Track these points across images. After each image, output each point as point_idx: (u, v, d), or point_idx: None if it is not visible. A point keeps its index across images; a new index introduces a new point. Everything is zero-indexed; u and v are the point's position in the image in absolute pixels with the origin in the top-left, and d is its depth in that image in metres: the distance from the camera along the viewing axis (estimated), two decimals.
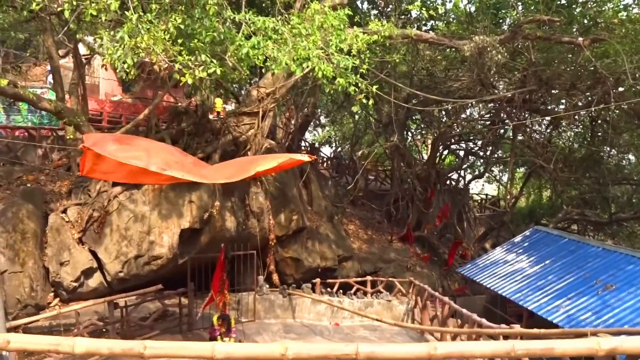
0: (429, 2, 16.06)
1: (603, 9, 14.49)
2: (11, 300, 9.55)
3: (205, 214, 11.54)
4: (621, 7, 14.58)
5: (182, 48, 6.92)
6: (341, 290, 13.73)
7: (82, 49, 15.18)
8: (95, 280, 10.78)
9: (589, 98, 16.70)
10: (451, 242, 21.22)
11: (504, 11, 16.07)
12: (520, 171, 28.46)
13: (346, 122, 28.12)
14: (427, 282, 14.95)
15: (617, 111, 17.25)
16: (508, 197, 23.07)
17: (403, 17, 16.43)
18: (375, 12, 18.24)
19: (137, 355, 2.49)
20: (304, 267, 14.21)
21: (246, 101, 13.71)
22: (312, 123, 25.66)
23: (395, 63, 14.85)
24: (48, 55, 12.18)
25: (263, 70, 13.38)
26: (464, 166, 25.20)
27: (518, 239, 17.45)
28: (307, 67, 7.66)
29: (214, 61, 7.08)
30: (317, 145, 29.10)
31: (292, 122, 20.32)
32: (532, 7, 14.63)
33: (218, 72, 7.03)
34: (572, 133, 21.73)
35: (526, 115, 18.57)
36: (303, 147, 23.56)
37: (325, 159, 27.20)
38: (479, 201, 29.63)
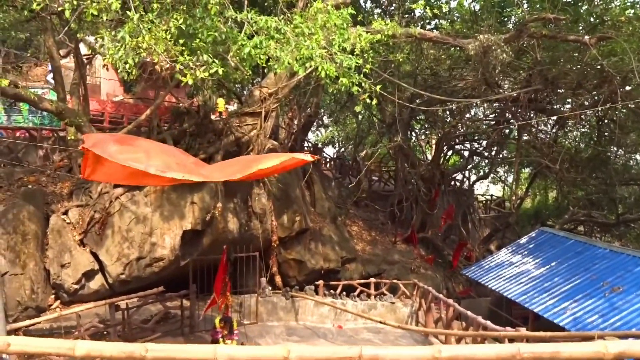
0: (432, 1, 15.97)
1: (610, 6, 14.37)
2: (12, 303, 9.51)
3: (208, 216, 11.48)
4: (628, 4, 14.46)
5: (183, 48, 6.89)
6: (344, 293, 13.65)
7: (83, 49, 15.16)
8: (96, 282, 10.75)
9: (596, 97, 16.55)
10: (456, 244, 21.08)
11: (508, 9, 15.96)
12: (525, 172, 28.31)
13: (349, 122, 28.00)
14: (432, 284, 14.85)
15: (624, 110, 17.09)
16: (513, 198, 22.96)
17: (407, 15, 16.31)
18: (378, 10, 18.15)
19: (138, 358, 2.48)
20: (306, 268, 14.15)
21: (248, 101, 13.67)
22: (315, 123, 25.62)
23: (399, 62, 14.79)
24: (49, 55, 12.16)
25: (265, 70, 13.39)
26: (469, 167, 25.12)
27: (523, 240, 17.33)
28: (310, 66, 7.62)
29: (216, 61, 7.05)
30: (320, 145, 29.00)
31: (295, 122, 20.25)
32: (538, 5, 14.52)
33: (220, 72, 7.00)
34: (579, 133, 21.64)
35: (532, 115, 18.43)
36: (306, 148, 23.46)
37: (328, 160, 27.08)
38: (484, 202, 29.45)
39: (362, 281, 14.26)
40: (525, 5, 15.21)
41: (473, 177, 25.76)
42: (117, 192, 11.13)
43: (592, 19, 14.83)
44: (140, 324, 9.92)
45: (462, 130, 22.11)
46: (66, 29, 9.33)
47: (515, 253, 16.43)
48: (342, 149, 31.87)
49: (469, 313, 9.99)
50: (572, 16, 13.94)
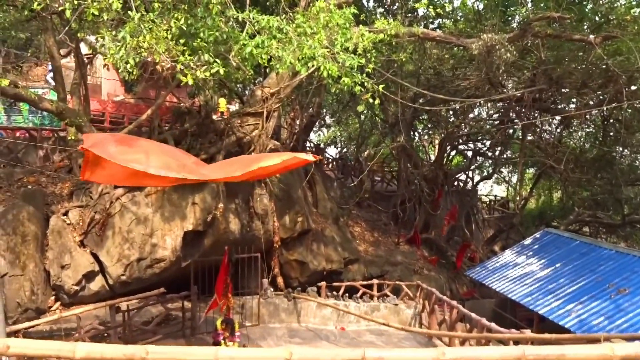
0: (436, 0, 15.85)
1: (615, 5, 14.31)
2: (11, 304, 9.46)
3: (209, 216, 11.44)
4: (634, 3, 14.35)
5: (185, 48, 6.88)
6: (347, 294, 13.55)
7: (84, 49, 15.14)
8: (96, 284, 10.68)
9: (601, 97, 16.47)
10: (459, 245, 20.98)
11: (512, 8, 15.89)
12: (530, 172, 28.24)
13: (352, 123, 27.94)
14: (435, 286, 14.76)
15: (630, 110, 17.03)
16: (517, 198, 22.86)
17: (410, 15, 16.25)
18: (381, 10, 18.11)
19: None
20: (309, 270, 14.07)
21: (250, 101, 13.64)
22: (317, 123, 25.55)
23: (402, 62, 14.74)
24: (49, 55, 12.14)
25: (267, 70, 13.37)
26: (472, 167, 25.05)
27: (528, 241, 17.28)
28: (312, 66, 7.60)
29: (217, 61, 7.05)
30: (322, 145, 29.00)
31: (297, 122, 20.18)
32: (542, 4, 14.45)
33: (221, 71, 7.00)
34: (584, 133, 21.52)
35: (536, 115, 18.36)
36: (308, 148, 23.41)
37: (330, 160, 27.02)
38: (488, 203, 29.39)
39: (365, 282, 14.18)
40: (529, 4, 15.15)
41: (477, 178, 25.75)
42: (118, 193, 11.08)
43: (597, 18, 14.76)
44: (141, 325, 9.84)
45: (466, 130, 22.04)
46: (67, 28, 9.31)
47: (519, 254, 16.37)
48: (345, 149, 31.83)
49: (473, 315, 9.92)
50: (577, 15, 13.89)
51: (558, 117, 18.60)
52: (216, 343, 8.58)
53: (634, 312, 10.87)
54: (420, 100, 18.12)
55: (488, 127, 21.82)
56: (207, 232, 11.58)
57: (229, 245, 10.52)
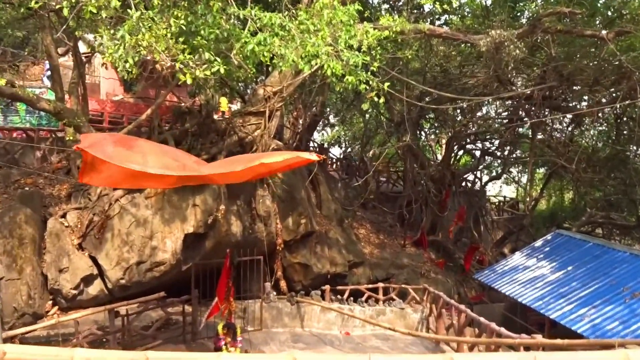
0: None
1: None
2: (8, 309, 9.37)
3: (210, 218, 11.35)
4: None
5: (185, 46, 6.87)
6: (352, 298, 13.47)
7: (82, 47, 15.03)
8: (95, 288, 10.60)
9: (614, 94, 16.26)
10: (467, 247, 20.76)
11: (522, 3, 15.82)
12: (540, 172, 28.09)
13: (356, 122, 27.81)
14: (442, 289, 14.65)
15: None
16: (527, 199, 22.78)
17: (415, 11, 16.17)
18: (386, 6, 18.04)
19: None
20: (312, 273, 13.97)
21: (252, 100, 13.58)
22: (320, 123, 25.36)
23: (408, 59, 14.69)
24: (47, 53, 12.13)
25: (270, 68, 13.31)
26: (481, 167, 24.88)
27: (539, 243, 17.14)
28: (316, 64, 7.61)
29: (218, 59, 7.04)
30: (326, 145, 28.76)
31: (300, 121, 19.96)
32: None
33: (222, 70, 7.00)
34: (596, 131, 21.47)
35: (546, 113, 18.26)
36: (311, 148, 23.26)
37: (334, 160, 26.83)
38: (497, 204, 29.18)
39: (370, 286, 14.09)
40: None
41: (485, 178, 25.60)
42: (117, 195, 11.01)
43: (609, 13, 14.72)
44: (141, 330, 9.78)
45: (474, 129, 21.90)
46: (64, 26, 9.38)
47: (530, 257, 16.23)
48: (349, 149, 31.65)
49: (482, 319, 9.85)
50: (589, 10, 13.74)
51: (569, 115, 18.44)
52: (218, 348, 8.47)
53: None
54: (427, 99, 18.03)
55: (497, 125, 21.63)
56: (208, 234, 11.50)
57: (230, 247, 10.44)
